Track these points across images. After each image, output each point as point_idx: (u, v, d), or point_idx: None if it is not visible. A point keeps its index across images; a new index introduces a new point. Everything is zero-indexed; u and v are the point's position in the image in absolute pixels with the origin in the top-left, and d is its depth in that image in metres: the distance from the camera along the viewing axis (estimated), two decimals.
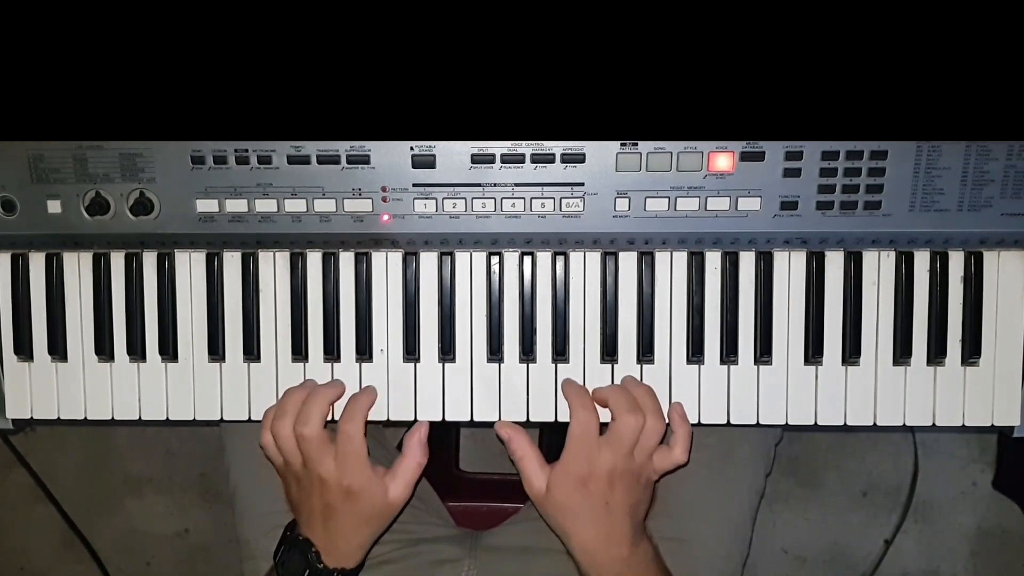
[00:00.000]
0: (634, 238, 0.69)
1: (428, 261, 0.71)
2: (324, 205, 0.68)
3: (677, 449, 0.68)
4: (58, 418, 0.73)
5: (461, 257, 0.71)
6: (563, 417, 0.71)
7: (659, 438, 0.68)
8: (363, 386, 0.72)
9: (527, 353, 0.71)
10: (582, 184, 0.67)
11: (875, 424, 0.71)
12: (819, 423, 0.71)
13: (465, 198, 0.68)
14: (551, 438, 0.98)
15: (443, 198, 0.68)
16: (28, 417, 0.73)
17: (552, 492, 0.67)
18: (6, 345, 0.73)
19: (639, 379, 0.71)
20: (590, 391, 0.69)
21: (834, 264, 0.70)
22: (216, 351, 0.72)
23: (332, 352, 0.71)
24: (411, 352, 0.71)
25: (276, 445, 0.69)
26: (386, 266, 0.71)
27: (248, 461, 0.83)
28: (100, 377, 0.73)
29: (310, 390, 0.69)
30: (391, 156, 0.67)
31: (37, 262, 0.72)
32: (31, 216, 0.69)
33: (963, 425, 0.71)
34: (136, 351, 0.72)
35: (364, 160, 0.67)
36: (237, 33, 0.60)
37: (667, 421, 0.69)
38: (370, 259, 0.71)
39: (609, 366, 0.71)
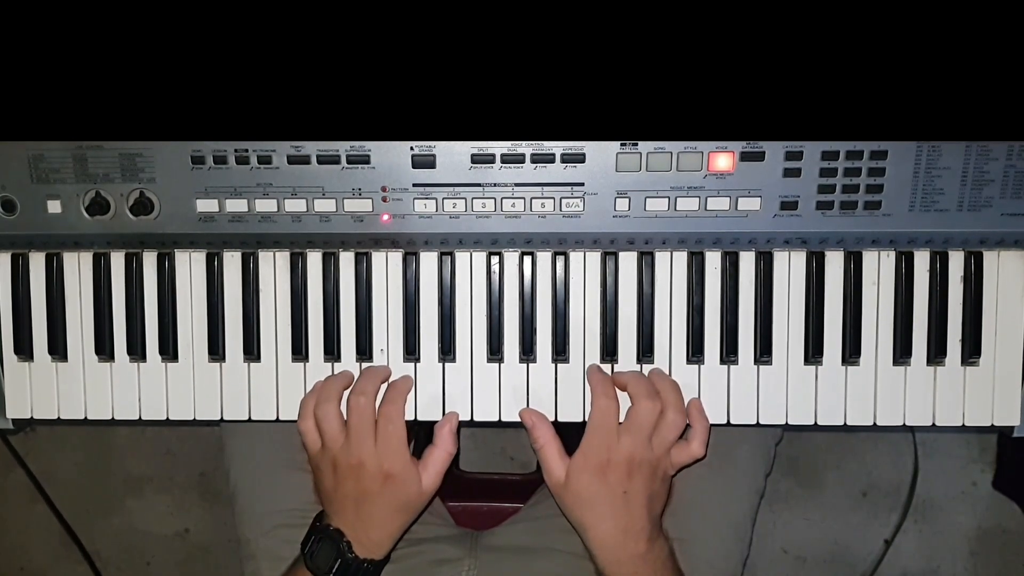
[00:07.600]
0: (634, 238, 0.69)
1: (428, 261, 0.71)
2: (324, 205, 0.68)
3: (695, 443, 0.68)
4: (58, 418, 0.73)
5: (461, 257, 0.71)
6: (564, 417, 0.71)
7: (678, 432, 0.68)
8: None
9: (527, 353, 0.71)
10: (582, 184, 0.67)
11: (875, 424, 0.71)
12: (819, 423, 0.71)
13: (465, 198, 0.68)
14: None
15: (443, 198, 0.68)
16: (28, 417, 0.73)
17: (571, 481, 0.68)
18: (6, 345, 0.73)
19: None
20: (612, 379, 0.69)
21: (834, 264, 0.70)
22: (216, 351, 0.72)
23: (332, 352, 0.71)
24: (411, 352, 0.71)
25: (318, 428, 0.69)
26: (386, 266, 0.71)
27: (248, 461, 0.83)
28: (100, 377, 0.73)
29: (350, 377, 0.70)
30: (391, 156, 0.67)
31: (37, 262, 0.72)
32: (31, 216, 0.69)
33: (963, 425, 0.71)
34: (136, 351, 0.72)
35: (364, 160, 0.67)
36: (237, 33, 0.60)
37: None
38: (370, 259, 0.71)
39: (609, 366, 0.71)
